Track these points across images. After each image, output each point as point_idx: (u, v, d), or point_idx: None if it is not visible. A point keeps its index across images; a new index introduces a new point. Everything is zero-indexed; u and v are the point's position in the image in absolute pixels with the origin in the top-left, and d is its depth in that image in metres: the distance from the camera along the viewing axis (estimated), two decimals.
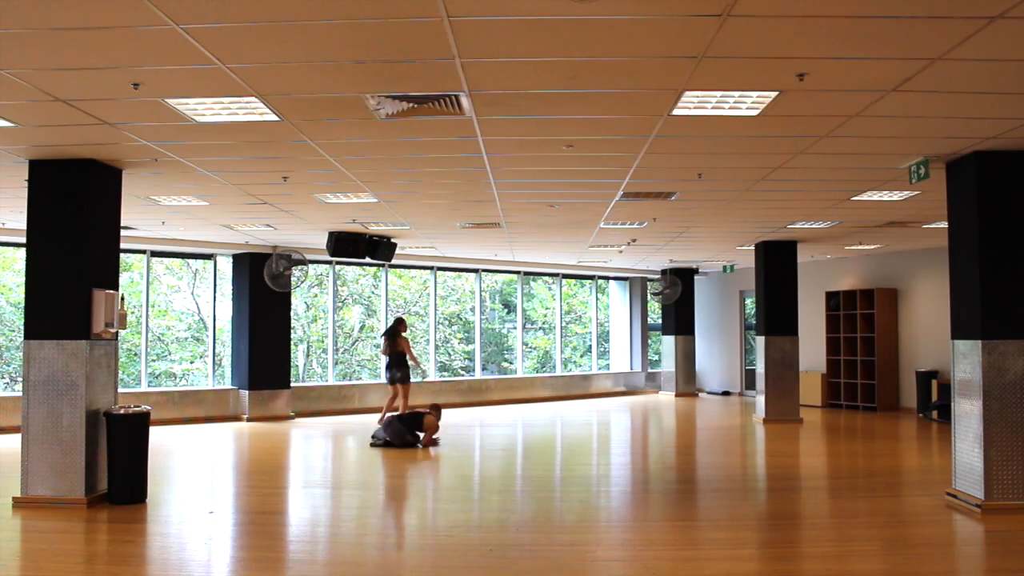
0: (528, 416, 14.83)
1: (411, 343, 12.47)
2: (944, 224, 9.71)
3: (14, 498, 6.80)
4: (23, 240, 7.43)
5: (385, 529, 6.66)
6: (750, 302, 18.65)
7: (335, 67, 4.64)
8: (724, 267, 17.70)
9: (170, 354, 17.94)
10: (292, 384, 14.27)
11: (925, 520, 6.59)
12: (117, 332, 7.25)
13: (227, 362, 14.27)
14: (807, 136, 6.21)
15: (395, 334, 12.01)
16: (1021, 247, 6.68)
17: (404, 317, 12.75)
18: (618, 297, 20.02)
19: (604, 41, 4.25)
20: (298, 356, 18.77)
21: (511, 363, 19.88)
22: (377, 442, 10.61)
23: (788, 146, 6.53)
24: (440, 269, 17.00)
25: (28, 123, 5.85)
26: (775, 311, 13.24)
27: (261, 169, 7.42)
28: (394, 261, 13.83)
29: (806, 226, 11.23)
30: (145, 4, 3.69)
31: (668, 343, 18.62)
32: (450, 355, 19.87)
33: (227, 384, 14.08)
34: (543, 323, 21.20)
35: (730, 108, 5.40)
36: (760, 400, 13.35)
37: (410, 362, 12.03)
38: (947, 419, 11.64)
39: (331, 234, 11.62)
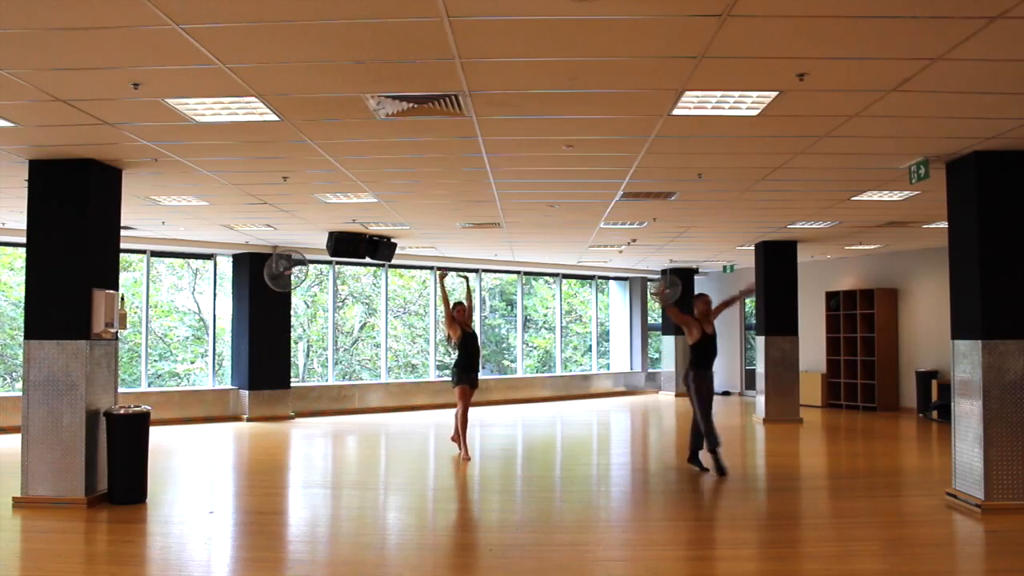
0: (528, 416, 14.84)
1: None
2: (944, 224, 9.71)
3: (14, 498, 6.81)
4: (23, 240, 7.43)
5: (385, 529, 6.66)
6: (750, 302, 18.64)
7: (335, 67, 4.64)
8: (724, 267, 17.70)
9: (172, 354, 17.95)
10: (292, 384, 14.27)
11: (925, 520, 6.59)
12: (117, 332, 7.25)
13: (227, 362, 14.27)
14: (807, 136, 6.21)
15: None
16: (1021, 247, 6.67)
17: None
18: (618, 297, 20.02)
19: (604, 41, 4.25)
20: (298, 355, 18.78)
21: (511, 363, 19.88)
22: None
23: (788, 146, 6.53)
24: (440, 269, 16.99)
25: (28, 123, 5.84)
26: (775, 311, 13.24)
27: (261, 169, 7.42)
28: (394, 261, 13.82)
29: (806, 226, 11.23)
30: (145, 4, 3.69)
31: (668, 343, 18.62)
32: (450, 353, 19.85)
33: (227, 384, 14.08)
34: (544, 322, 21.19)
35: (730, 108, 5.40)
36: (760, 400, 13.35)
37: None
38: (947, 419, 11.64)
39: (331, 234, 11.62)
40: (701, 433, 8.48)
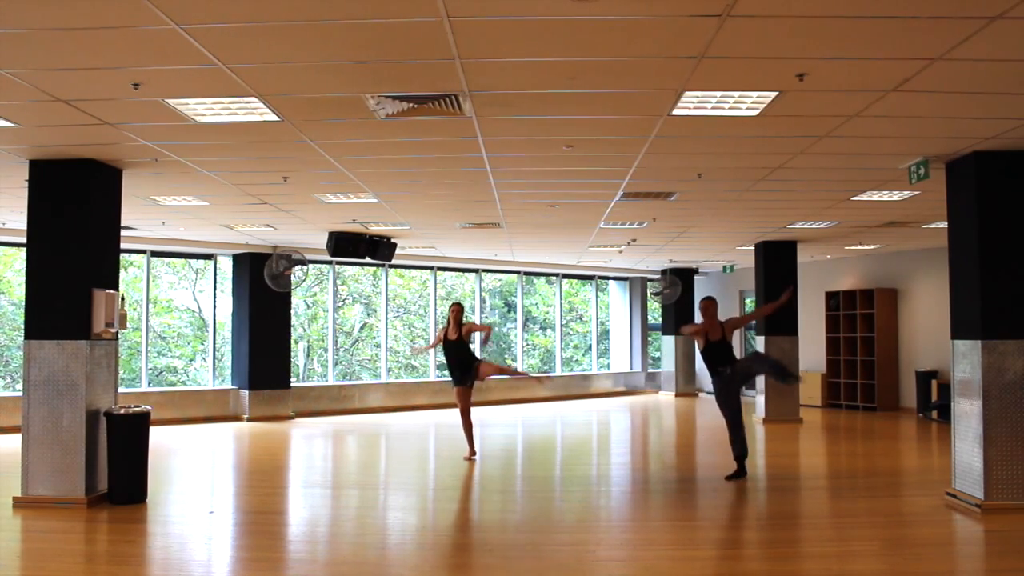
0: (528, 416, 14.84)
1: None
2: (944, 224, 9.70)
3: (14, 498, 6.81)
4: (23, 240, 7.43)
5: (385, 529, 6.66)
6: (750, 302, 18.64)
7: (335, 67, 4.64)
8: (724, 267, 17.70)
9: (170, 350, 17.96)
10: (292, 384, 14.27)
11: (925, 520, 6.59)
12: (117, 332, 7.25)
13: (227, 362, 14.27)
14: (807, 136, 6.21)
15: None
16: (1021, 247, 6.68)
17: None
18: (618, 297, 20.02)
19: (604, 41, 4.25)
20: (298, 356, 18.78)
21: (512, 362, 19.87)
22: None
23: (788, 146, 6.53)
24: (440, 269, 17.00)
25: (28, 123, 5.84)
26: (775, 311, 13.21)
27: (261, 169, 7.42)
28: (394, 261, 13.82)
29: (806, 226, 11.23)
30: (145, 4, 3.69)
31: (668, 343, 18.62)
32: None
33: (227, 384, 14.08)
34: (544, 321, 21.19)
35: (730, 108, 5.40)
36: (760, 400, 13.35)
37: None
38: (947, 419, 11.63)
39: (331, 234, 11.62)
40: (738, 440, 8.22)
